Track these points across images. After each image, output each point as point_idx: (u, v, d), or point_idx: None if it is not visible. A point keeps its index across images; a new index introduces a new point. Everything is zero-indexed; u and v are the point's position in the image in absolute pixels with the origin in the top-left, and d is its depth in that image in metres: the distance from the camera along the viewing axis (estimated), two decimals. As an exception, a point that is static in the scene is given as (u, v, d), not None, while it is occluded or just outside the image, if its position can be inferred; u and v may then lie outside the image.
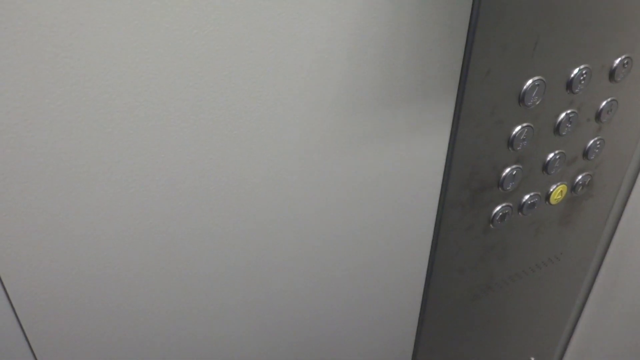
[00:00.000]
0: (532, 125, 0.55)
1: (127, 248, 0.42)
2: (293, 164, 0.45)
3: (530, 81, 0.51)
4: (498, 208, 0.60)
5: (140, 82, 0.35)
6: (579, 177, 0.66)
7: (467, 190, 0.56)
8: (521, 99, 0.52)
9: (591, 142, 0.63)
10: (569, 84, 0.54)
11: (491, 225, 0.62)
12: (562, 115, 0.57)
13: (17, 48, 0.30)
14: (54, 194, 0.36)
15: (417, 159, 0.51)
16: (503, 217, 0.61)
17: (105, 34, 0.32)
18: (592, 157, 0.64)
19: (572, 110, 0.57)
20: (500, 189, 0.59)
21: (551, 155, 0.60)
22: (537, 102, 0.53)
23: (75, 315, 0.43)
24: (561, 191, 0.65)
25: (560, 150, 0.60)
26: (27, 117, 0.33)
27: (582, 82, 0.55)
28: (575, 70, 0.54)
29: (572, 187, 0.66)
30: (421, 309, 0.66)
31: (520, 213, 0.63)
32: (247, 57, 0.37)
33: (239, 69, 0.37)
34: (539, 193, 0.63)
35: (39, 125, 0.33)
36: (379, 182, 0.51)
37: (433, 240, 0.59)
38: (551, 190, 0.64)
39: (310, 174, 0.46)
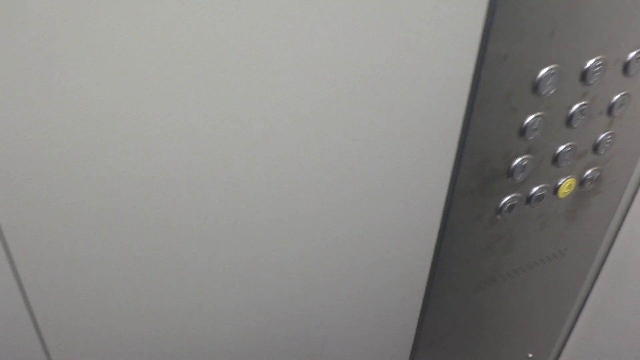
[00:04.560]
0: (544, 115, 0.55)
1: (134, 246, 0.41)
2: (297, 154, 0.44)
3: (545, 69, 0.51)
4: (507, 198, 0.60)
5: (146, 78, 0.34)
6: (588, 171, 0.65)
7: (477, 178, 0.56)
8: (535, 87, 0.51)
9: (602, 136, 0.62)
10: (584, 75, 0.54)
11: (498, 216, 0.62)
12: (575, 106, 0.56)
13: (14, 47, 0.30)
14: (73, 191, 0.36)
15: (428, 143, 0.51)
16: (511, 207, 0.61)
17: (109, 31, 0.32)
18: (602, 152, 0.64)
19: (585, 102, 0.57)
20: (510, 179, 0.58)
21: (562, 147, 0.60)
22: (551, 92, 0.53)
23: (90, 314, 0.43)
24: (569, 185, 0.65)
25: (571, 143, 0.60)
26: (25, 117, 0.32)
27: (597, 73, 0.55)
28: (591, 61, 0.53)
29: (581, 182, 0.66)
30: (424, 297, 0.66)
31: (528, 205, 0.63)
32: (247, 55, 0.37)
33: (240, 69, 0.37)
34: (548, 185, 0.63)
35: (44, 124, 0.33)
36: (387, 166, 0.50)
37: (440, 227, 0.59)
38: (560, 183, 0.64)
39: (314, 161, 0.46)
